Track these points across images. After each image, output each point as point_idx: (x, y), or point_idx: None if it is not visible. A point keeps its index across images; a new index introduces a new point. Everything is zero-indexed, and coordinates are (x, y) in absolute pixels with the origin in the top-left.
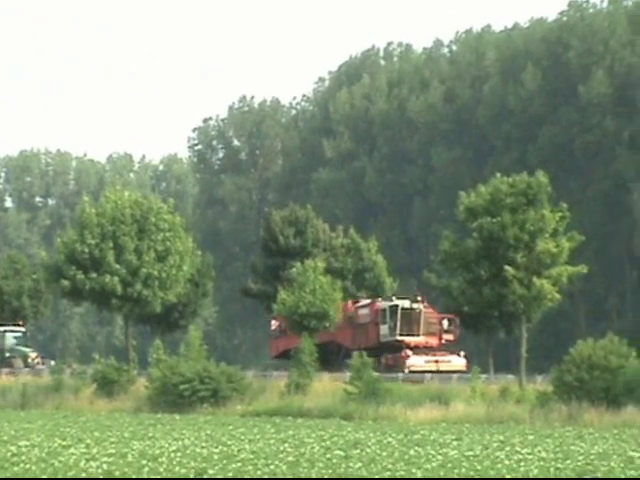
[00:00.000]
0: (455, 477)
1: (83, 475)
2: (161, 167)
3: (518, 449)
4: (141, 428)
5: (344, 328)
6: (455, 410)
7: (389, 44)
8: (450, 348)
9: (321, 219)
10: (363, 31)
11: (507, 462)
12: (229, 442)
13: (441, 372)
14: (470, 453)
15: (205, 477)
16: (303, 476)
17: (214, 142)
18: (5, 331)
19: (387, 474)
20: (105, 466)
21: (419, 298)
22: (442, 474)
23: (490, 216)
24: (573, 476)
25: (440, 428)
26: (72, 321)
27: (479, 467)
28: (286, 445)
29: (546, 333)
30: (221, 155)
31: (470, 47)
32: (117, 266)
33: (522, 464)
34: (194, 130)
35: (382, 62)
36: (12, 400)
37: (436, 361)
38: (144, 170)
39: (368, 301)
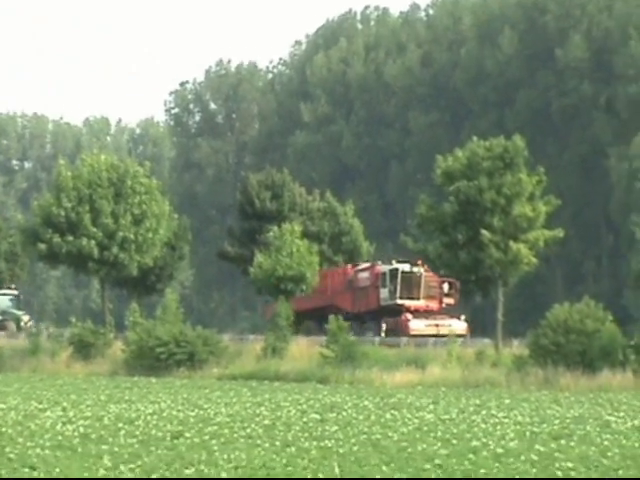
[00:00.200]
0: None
1: (59, 438)
2: (138, 130)
3: (494, 413)
4: (118, 391)
5: (344, 292)
6: (431, 374)
7: (366, 8)
8: (450, 312)
9: (298, 183)
10: None
11: (483, 425)
12: (205, 405)
13: (442, 336)
14: (446, 417)
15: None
16: (279, 439)
17: (191, 106)
18: None
19: (363, 437)
20: (82, 429)
21: (419, 262)
22: (418, 437)
23: (467, 180)
24: (549, 440)
25: (416, 392)
26: (49, 284)
27: (455, 430)
28: (262, 408)
29: (522, 297)
30: (198, 119)
31: (447, 11)
32: (94, 229)
33: (498, 428)
34: (171, 94)
35: (359, 26)
36: None
37: (436, 325)
38: (121, 133)
39: (368, 265)
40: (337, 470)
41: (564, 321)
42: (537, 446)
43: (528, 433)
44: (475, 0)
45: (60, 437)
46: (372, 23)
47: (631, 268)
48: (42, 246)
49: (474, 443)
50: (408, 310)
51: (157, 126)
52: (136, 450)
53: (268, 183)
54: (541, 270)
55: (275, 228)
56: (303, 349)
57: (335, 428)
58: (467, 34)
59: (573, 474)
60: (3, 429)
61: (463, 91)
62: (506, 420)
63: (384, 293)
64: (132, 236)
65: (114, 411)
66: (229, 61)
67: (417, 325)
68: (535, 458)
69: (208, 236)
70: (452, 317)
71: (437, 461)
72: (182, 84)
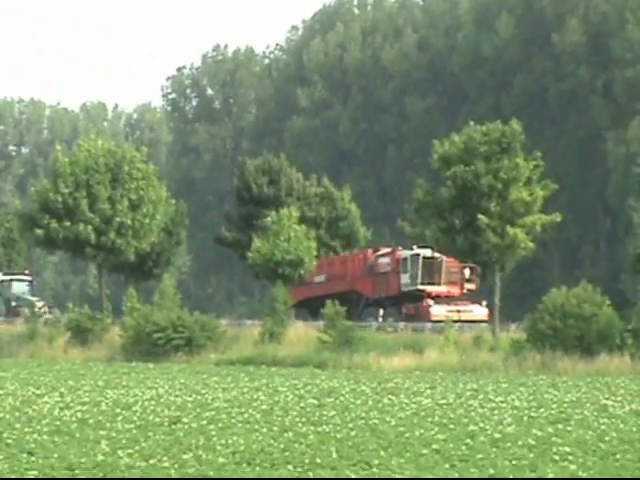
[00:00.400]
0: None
1: (57, 423)
2: (135, 116)
3: (491, 397)
4: (115, 377)
5: (364, 277)
6: (429, 358)
7: None
8: (472, 297)
9: (295, 168)
10: None
11: (480, 410)
12: (203, 391)
13: (463, 322)
14: (443, 401)
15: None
16: (277, 424)
17: (188, 91)
18: (12, 280)
19: (361, 422)
20: (79, 414)
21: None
22: (415, 422)
23: (464, 165)
24: (547, 424)
25: (414, 376)
26: (46, 270)
27: (452, 415)
28: (260, 393)
29: (520, 282)
30: (195, 104)
31: None
32: (91, 215)
33: (495, 412)
34: (168, 79)
35: (356, 11)
36: None
37: (458, 311)
38: (118, 119)
39: (389, 250)
40: (335, 455)
41: (561, 305)
42: (534, 430)
43: (525, 417)
44: None
45: (58, 422)
46: (369, 8)
47: (628, 252)
48: (39, 232)
49: (471, 428)
50: (429, 296)
51: (154, 111)
52: (134, 435)
53: (265, 168)
54: (538, 255)
55: (273, 213)
56: (301, 334)
57: (333, 413)
58: (464, 19)
59: (571, 458)
60: (1, 415)
61: (460, 76)
62: (503, 405)
63: (405, 279)
64: (129, 221)
65: (112, 396)
66: (226, 46)
67: (438, 311)
68: (533, 442)
69: (205, 221)
70: (473, 303)
71: (435, 446)
72: (179, 69)
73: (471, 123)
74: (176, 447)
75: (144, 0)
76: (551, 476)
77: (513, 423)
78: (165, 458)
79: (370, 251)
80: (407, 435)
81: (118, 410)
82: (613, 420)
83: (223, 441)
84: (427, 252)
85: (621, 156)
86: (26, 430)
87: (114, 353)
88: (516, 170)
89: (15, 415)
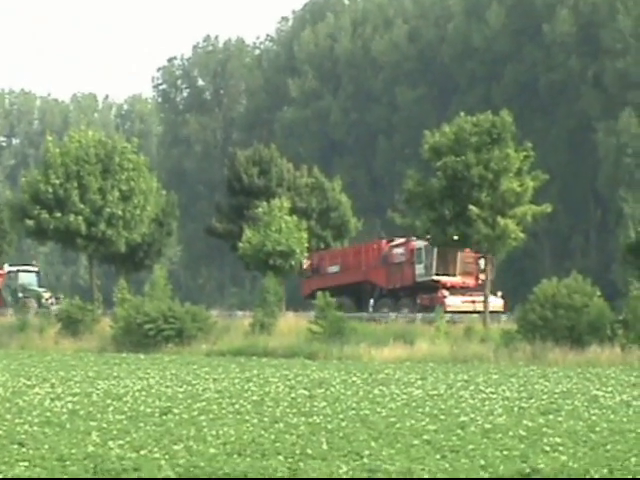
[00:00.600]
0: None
1: (47, 414)
2: (125, 107)
3: (482, 388)
4: (106, 367)
5: (378, 268)
6: (419, 349)
7: None
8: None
9: (285, 158)
10: None
11: (471, 401)
12: (194, 381)
13: (478, 312)
14: (434, 392)
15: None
16: (267, 415)
17: (179, 82)
18: (18, 271)
19: (351, 413)
20: (70, 405)
21: (455, 237)
22: (406, 413)
23: (454, 155)
24: (538, 415)
25: (404, 367)
26: (37, 261)
27: (443, 406)
28: (251, 384)
29: (510, 272)
30: (185, 95)
31: None
32: (81, 206)
33: (486, 403)
34: (158, 70)
35: (346, 1)
36: None
37: (473, 301)
38: (108, 110)
39: (403, 240)
40: (325, 446)
41: (552, 296)
42: (525, 421)
43: (516, 408)
44: None
45: (48, 413)
46: None
47: (619, 243)
48: (30, 222)
49: (462, 419)
50: (444, 286)
51: (145, 102)
52: (125, 426)
53: (256, 159)
54: (529, 245)
55: (264, 204)
56: (291, 325)
57: (323, 404)
58: (454, 9)
59: (561, 449)
60: None
61: (450, 66)
62: (494, 395)
63: (420, 269)
64: (120, 212)
65: (102, 387)
66: (217, 37)
67: (453, 301)
68: (523, 433)
69: (196, 212)
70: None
71: (425, 437)
72: (170, 60)
73: (461, 114)
74: (167, 438)
75: None
76: (541, 466)
77: (504, 414)
78: (156, 449)
79: (384, 241)
80: (398, 426)
81: (109, 401)
82: (604, 411)
83: (214, 432)
84: None
85: (612, 146)
86: (17, 421)
87: (105, 344)
88: (507, 161)
89: (5, 406)
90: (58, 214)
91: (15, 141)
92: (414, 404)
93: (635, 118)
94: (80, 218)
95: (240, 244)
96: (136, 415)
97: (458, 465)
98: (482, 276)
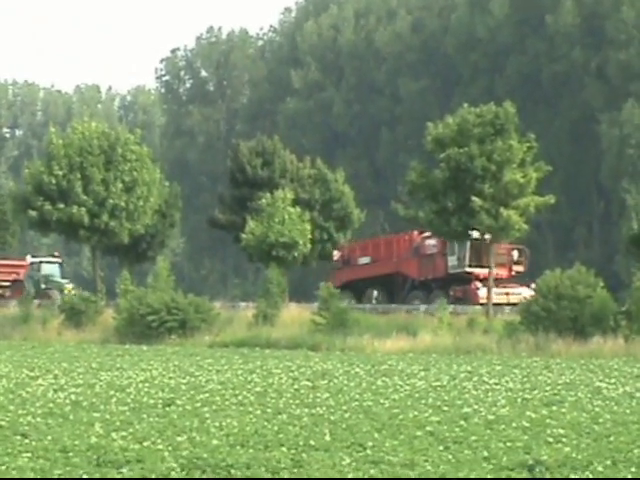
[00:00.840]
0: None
1: (50, 406)
2: (129, 98)
3: (485, 379)
4: (109, 359)
5: (410, 259)
6: (422, 340)
7: None
8: (520, 280)
9: (288, 150)
10: None
11: (474, 392)
12: (197, 373)
13: (512, 304)
14: (437, 383)
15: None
16: (270, 406)
17: (182, 73)
18: (41, 262)
19: (354, 404)
20: (73, 397)
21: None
22: (409, 404)
23: (457, 147)
24: (541, 406)
25: (407, 358)
26: (40, 252)
27: (446, 397)
28: (254, 376)
29: None
30: (189, 86)
31: None
32: (84, 197)
33: (489, 394)
34: (162, 61)
35: None
36: None
37: (506, 293)
38: (111, 101)
39: None
40: (328, 437)
41: (555, 287)
42: (528, 412)
43: (519, 399)
44: None
45: (51, 405)
46: None
47: (622, 234)
48: (33, 213)
49: (465, 410)
50: (477, 278)
51: (148, 93)
52: (128, 418)
53: (259, 150)
54: (532, 236)
55: (267, 195)
56: (294, 316)
57: (326, 395)
58: (458, 0)
59: (564, 440)
60: None
61: (453, 57)
62: (497, 387)
63: (452, 261)
64: (123, 204)
65: (105, 379)
66: (220, 28)
67: (486, 293)
68: (526, 424)
69: (199, 203)
70: (522, 285)
71: (428, 428)
72: (173, 51)
73: (465, 105)
74: (170, 429)
75: None
76: (544, 458)
77: (507, 405)
78: (159, 440)
79: (416, 232)
80: (401, 417)
81: (112, 392)
82: (607, 402)
83: (217, 423)
84: (475, 233)
85: (615, 138)
86: (20, 412)
87: (108, 335)
88: (510, 152)
89: (9, 397)
90: (61, 205)
91: (18, 132)
92: (417, 395)
93: (638, 109)
94: (83, 209)
95: (243, 235)
96: (139, 406)
97: (461, 456)
98: (516, 267)
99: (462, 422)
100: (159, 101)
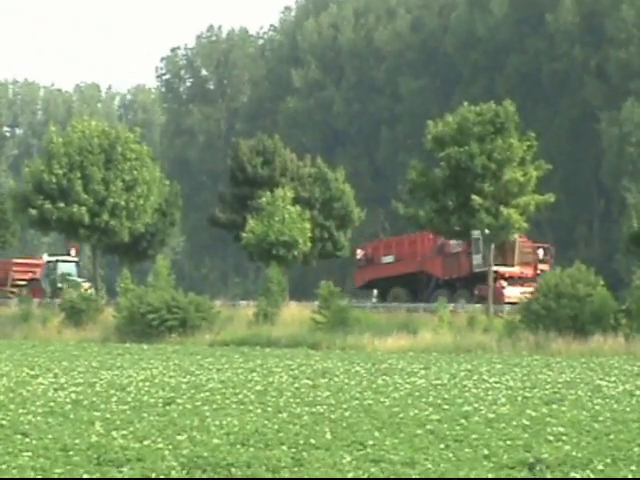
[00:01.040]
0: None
1: (51, 405)
2: (129, 97)
3: (486, 378)
4: (109, 358)
5: (434, 258)
6: (423, 339)
7: None
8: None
9: (289, 148)
10: None
11: (475, 391)
12: (197, 371)
13: None
14: (438, 382)
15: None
16: (271, 405)
17: (182, 72)
18: (57, 261)
19: (355, 403)
20: (73, 396)
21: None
22: (410, 402)
23: (457, 145)
24: (541, 404)
25: (408, 357)
26: (40, 251)
27: (447, 396)
28: (254, 374)
29: None
30: (189, 85)
31: None
32: (85, 196)
33: (490, 393)
34: (162, 60)
35: None
36: None
37: (532, 292)
38: (111, 100)
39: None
40: (329, 436)
41: (555, 286)
42: (529, 411)
43: (520, 398)
44: None
45: (52, 404)
46: None
47: (622, 232)
48: (33, 212)
49: (466, 408)
50: (502, 277)
51: (148, 92)
52: (128, 416)
53: (259, 149)
54: (532, 235)
55: (267, 194)
56: (295, 314)
57: (327, 394)
58: None
59: (565, 438)
60: None
61: (453, 56)
62: (498, 385)
63: (477, 259)
64: (123, 202)
65: (106, 377)
66: (220, 27)
67: (512, 292)
68: (527, 423)
69: (199, 202)
70: None
71: (429, 426)
72: (173, 50)
73: (465, 103)
74: (170, 428)
75: None
76: (545, 456)
77: (507, 403)
78: (159, 439)
79: None
80: (401, 415)
81: (112, 391)
82: (607, 400)
83: (217, 422)
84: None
85: (615, 136)
86: (20, 411)
87: (108, 334)
88: (510, 150)
89: (9, 396)
90: (61, 204)
91: (18, 131)
92: (417, 394)
93: (638, 107)
94: (83, 208)
95: (243, 234)
96: (139, 405)
97: (461, 455)
98: (541, 266)
99: (462, 420)
100: (159, 100)
